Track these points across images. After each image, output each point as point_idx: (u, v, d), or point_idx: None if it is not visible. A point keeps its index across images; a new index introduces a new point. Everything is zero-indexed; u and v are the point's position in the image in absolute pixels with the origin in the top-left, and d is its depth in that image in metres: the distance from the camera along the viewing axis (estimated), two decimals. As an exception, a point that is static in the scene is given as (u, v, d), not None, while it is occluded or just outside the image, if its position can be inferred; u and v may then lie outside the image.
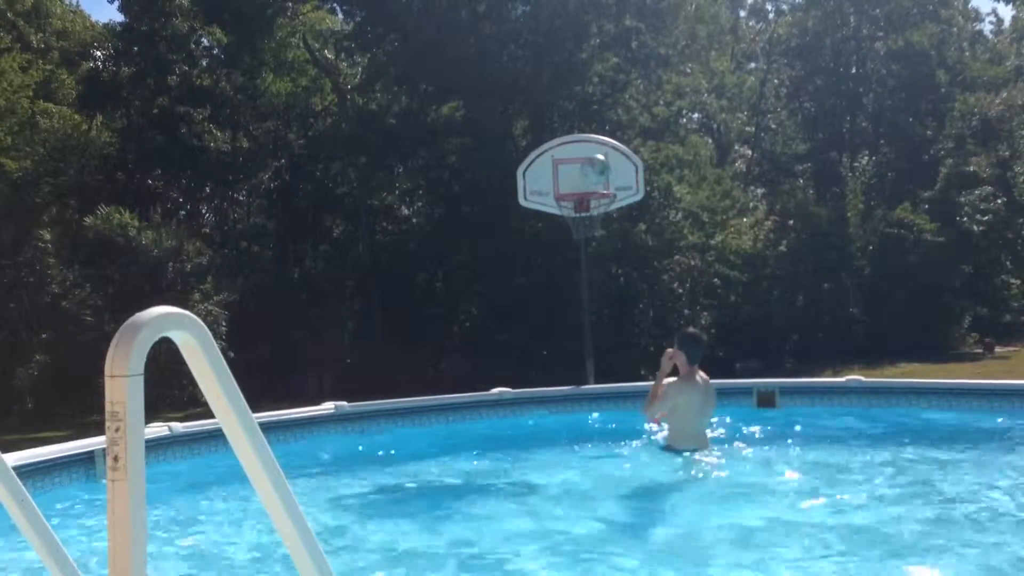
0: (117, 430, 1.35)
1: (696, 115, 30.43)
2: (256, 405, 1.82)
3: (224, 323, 17.80)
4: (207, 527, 5.30)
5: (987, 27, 35.24)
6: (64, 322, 17.85)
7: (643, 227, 21.05)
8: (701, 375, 6.20)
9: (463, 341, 22.18)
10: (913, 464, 6.17)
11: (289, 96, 24.23)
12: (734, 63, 31.57)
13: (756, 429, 7.17)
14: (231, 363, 1.54)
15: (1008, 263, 28.21)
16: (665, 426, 6.45)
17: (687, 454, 6.09)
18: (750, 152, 32.23)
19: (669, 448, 6.24)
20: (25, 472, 5.41)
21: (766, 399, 8.27)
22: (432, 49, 20.82)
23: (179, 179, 25.01)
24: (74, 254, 18.69)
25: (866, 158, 28.48)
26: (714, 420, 6.68)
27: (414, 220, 24.49)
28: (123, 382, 1.34)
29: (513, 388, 8.89)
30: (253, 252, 25.13)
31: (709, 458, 6.11)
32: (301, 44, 23.91)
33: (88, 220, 18.00)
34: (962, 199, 26.16)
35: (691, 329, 7.11)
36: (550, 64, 21.42)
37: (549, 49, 21.47)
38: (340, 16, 24.88)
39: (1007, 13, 37.60)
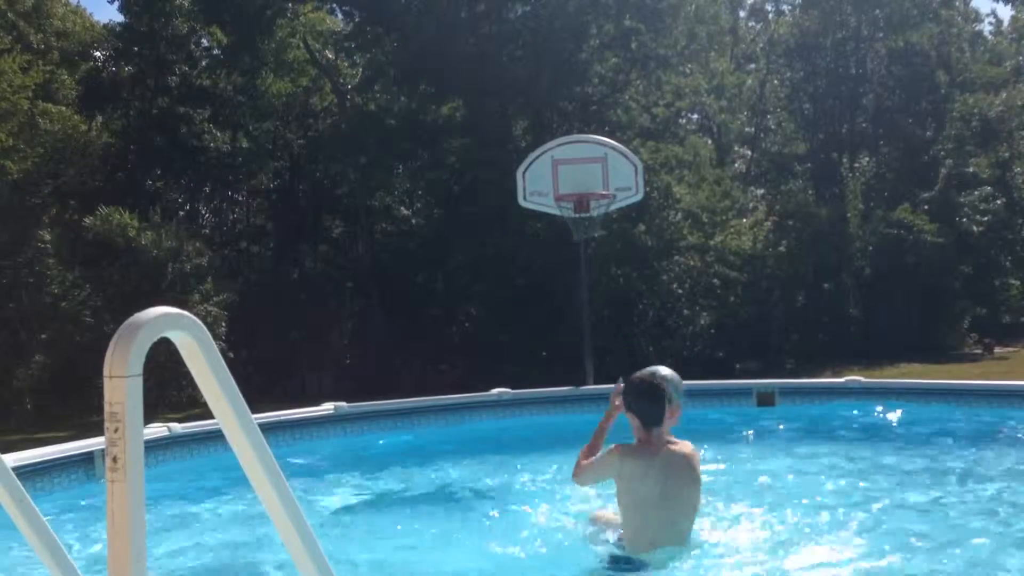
0: (116, 431, 1.35)
1: (696, 116, 30.40)
2: (256, 405, 1.82)
3: (224, 323, 17.80)
4: (207, 528, 5.30)
5: (987, 28, 35.28)
6: (64, 322, 17.85)
7: (643, 227, 21.04)
8: (671, 445, 3.93)
9: (463, 342, 22.17)
10: (912, 464, 6.17)
11: (289, 96, 24.25)
12: (734, 64, 31.54)
13: (754, 431, 7.18)
14: (231, 363, 1.55)
15: (1008, 264, 28.23)
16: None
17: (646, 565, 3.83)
18: (750, 152, 32.22)
19: (620, 560, 3.94)
20: (25, 472, 5.42)
21: (766, 399, 8.28)
22: (432, 49, 20.81)
23: (179, 179, 25.03)
24: (74, 255, 18.68)
25: (866, 158, 28.48)
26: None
27: (414, 220, 24.49)
28: (122, 383, 1.34)
29: (513, 388, 8.90)
30: (253, 252, 25.15)
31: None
32: (301, 44, 23.91)
33: (88, 221, 18.00)
34: (962, 200, 26.18)
35: (642, 373, 4.04)
36: (550, 64, 21.41)
37: (549, 49, 21.46)
38: (340, 16, 24.89)
39: (1007, 13, 37.67)
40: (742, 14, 33.92)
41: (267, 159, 24.71)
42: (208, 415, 1.58)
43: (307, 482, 6.35)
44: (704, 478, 4.03)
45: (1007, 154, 28.62)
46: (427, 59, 20.92)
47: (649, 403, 3.91)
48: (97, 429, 2.14)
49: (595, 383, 10.03)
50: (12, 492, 1.94)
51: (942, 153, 27.80)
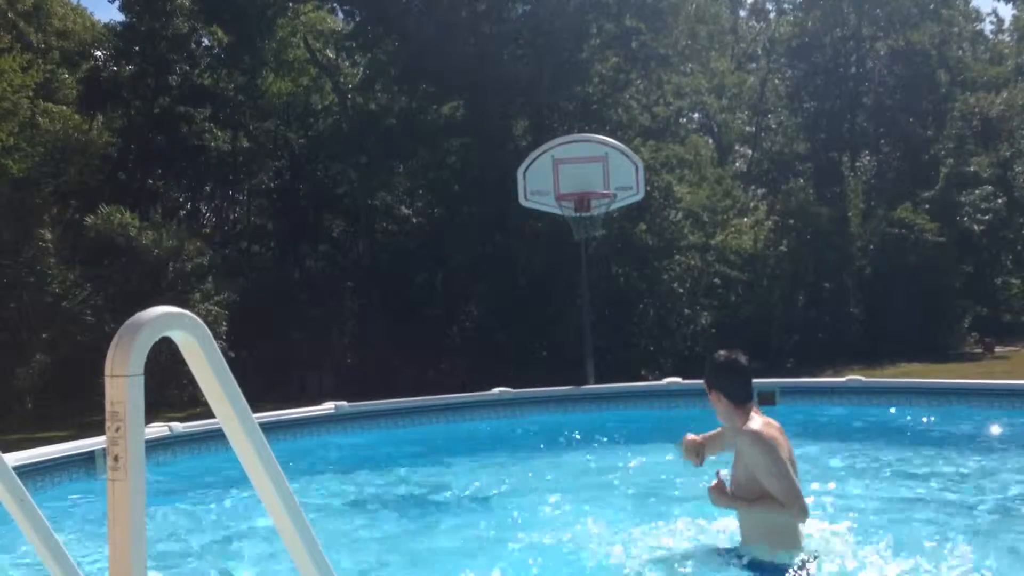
0: (117, 430, 1.35)
1: (696, 115, 30.41)
2: (256, 405, 1.82)
3: (224, 323, 17.79)
4: (208, 527, 5.31)
5: (987, 27, 35.28)
6: (64, 322, 17.83)
7: (643, 227, 21.03)
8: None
9: (463, 341, 22.15)
10: (913, 464, 6.17)
11: (289, 96, 24.23)
12: (734, 63, 31.55)
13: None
14: (231, 363, 1.55)
15: (1008, 263, 28.24)
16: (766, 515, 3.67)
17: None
18: (750, 152, 32.22)
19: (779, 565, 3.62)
20: (25, 472, 5.42)
21: (766, 399, 8.27)
22: (432, 49, 20.80)
23: (180, 179, 25.02)
24: (75, 254, 18.68)
25: (867, 158, 28.48)
26: None
27: (414, 220, 24.47)
28: (123, 382, 1.35)
29: (513, 388, 8.90)
30: (253, 252, 25.12)
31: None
32: (302, 44, 23.91)
33: (89, 220, 17.99)
34: (962, 199, 26.19)
35: (720, 352, 3.84)
36: (550, 64, 21.41)
37: (549, 49, 21.46)
38: (340, 16, 24.89)
39: (1007, 13, 37.65)
40: (743, 13, 33.93)
41: (268, 159, 24.70)
42: (209, 414, 1.59)
43: (307, 481, 6.35)
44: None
45: (1008, 153, 28.63)
46: (427, 59, 20.91)
47: (732, 378, 3.68)
48: (98, 428, 2.15)
49: (595, 383, 10.03)
50: (13, 492, 1.94)
51: (943, 152, 27.80)
